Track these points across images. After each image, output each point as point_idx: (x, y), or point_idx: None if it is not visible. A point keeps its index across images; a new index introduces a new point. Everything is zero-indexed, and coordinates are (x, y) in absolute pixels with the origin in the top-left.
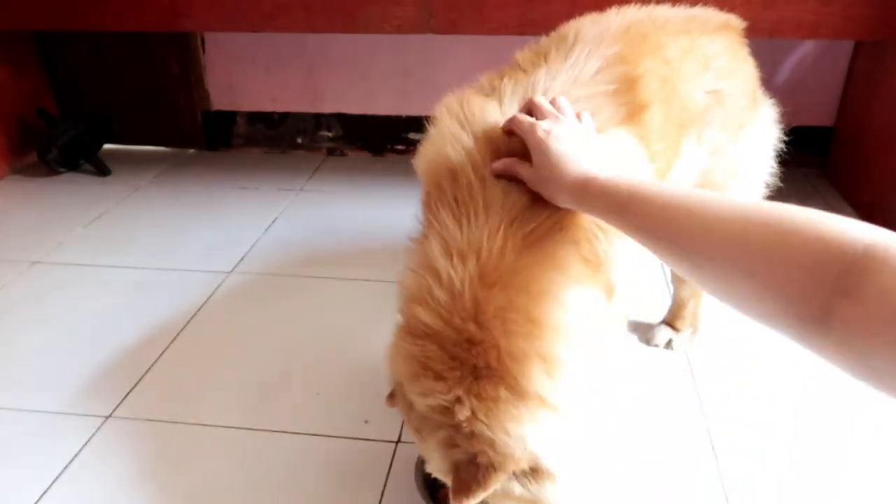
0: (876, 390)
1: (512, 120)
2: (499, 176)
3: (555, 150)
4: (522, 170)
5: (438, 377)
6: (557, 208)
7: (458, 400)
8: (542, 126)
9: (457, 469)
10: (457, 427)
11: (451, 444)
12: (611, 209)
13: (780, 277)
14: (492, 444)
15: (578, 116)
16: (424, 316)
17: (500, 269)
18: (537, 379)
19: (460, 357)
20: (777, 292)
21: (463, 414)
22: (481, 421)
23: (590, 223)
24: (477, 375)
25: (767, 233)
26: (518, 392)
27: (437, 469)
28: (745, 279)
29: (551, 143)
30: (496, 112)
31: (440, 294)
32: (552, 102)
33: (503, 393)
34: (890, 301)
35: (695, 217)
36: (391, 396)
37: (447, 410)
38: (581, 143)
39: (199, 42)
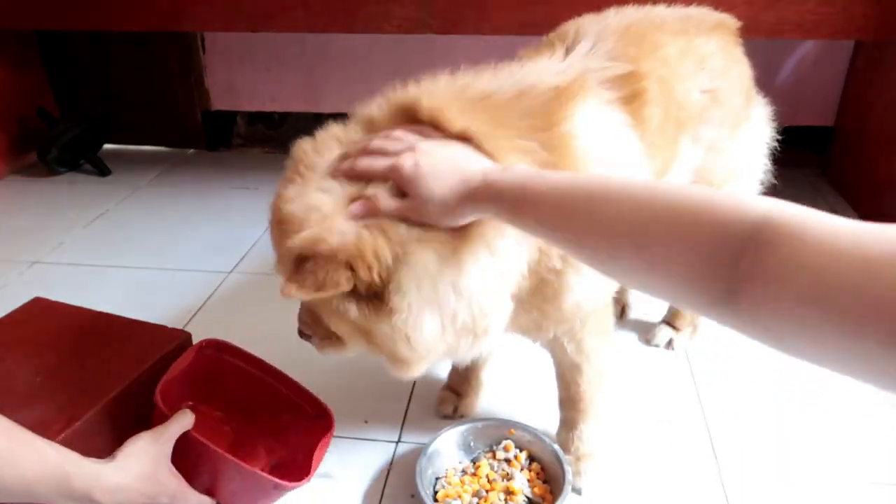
0: (781, 352)
1: (357, 165)
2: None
3: (430, 171)
4: (390, 204)
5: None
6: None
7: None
8: (404, 159)
9: (301, 259)
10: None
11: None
12: (504, 209)
13: (681, 262)
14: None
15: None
16: None
17: None
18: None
19: None
20: (680, 276)
21: None
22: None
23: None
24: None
25: (662, 217)
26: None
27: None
28: (647, 265)
29: (423, 165)
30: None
31: None
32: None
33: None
34: (790, 275)
35: (591, 205)
36: None
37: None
38: (451, 153)
39: (199, 42)
